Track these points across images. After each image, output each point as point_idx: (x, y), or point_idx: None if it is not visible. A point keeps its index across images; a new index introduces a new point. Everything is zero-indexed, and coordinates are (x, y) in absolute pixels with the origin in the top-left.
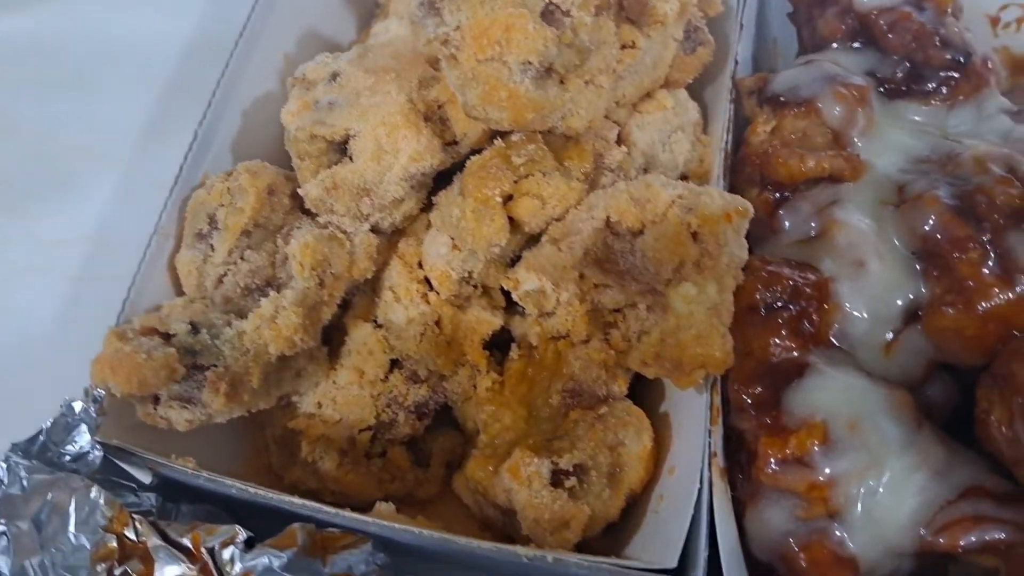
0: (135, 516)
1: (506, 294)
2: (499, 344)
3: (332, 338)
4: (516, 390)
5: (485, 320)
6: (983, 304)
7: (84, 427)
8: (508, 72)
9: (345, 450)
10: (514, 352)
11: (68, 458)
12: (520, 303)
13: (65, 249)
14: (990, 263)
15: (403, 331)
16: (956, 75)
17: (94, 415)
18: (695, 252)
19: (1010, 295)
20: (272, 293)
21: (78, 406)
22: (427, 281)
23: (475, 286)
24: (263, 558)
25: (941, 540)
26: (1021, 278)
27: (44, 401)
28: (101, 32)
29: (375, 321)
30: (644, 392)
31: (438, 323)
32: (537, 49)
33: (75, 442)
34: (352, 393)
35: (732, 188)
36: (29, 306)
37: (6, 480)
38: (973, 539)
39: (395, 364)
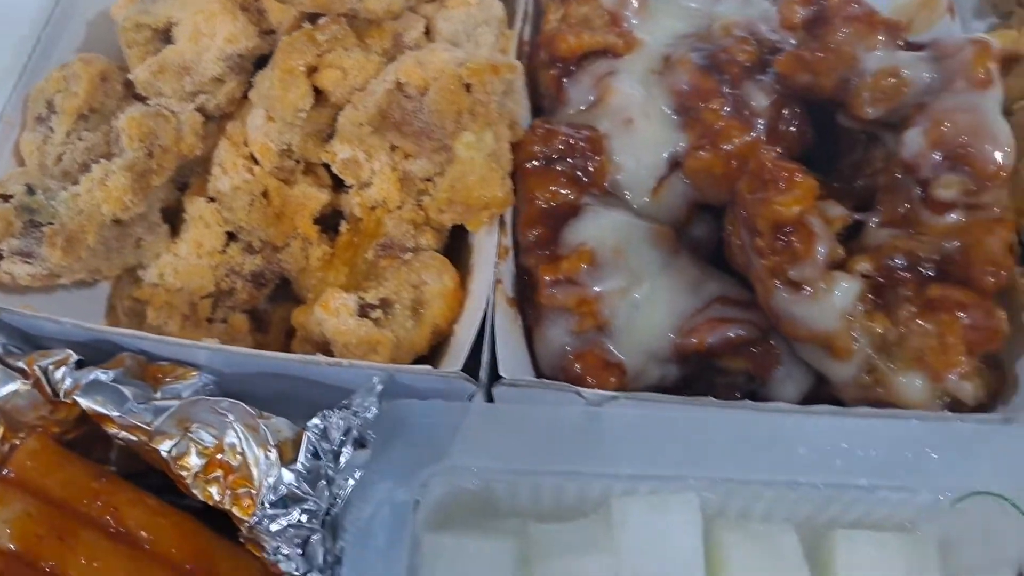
0: None
1: (335, 177)
2: (335, 225)
3: (174, 219)
4: (343, 256)
5: (312, 195)
6: (726, 145)
7: None
8: None
9: (187, 315)
10: (343, 227)
11: None
12: (340, 175)
13: None
14: (729, 109)
15: (232, 200)
16: None
17: None
18: (468, 101)
19: (747, 137)
20: (101, 164)
21: None
22: (253, 157)
23: (297, 160)
24: (93, 374)
25: (692, 340)
26: (755, 121)
27: None
28: None
29: (208, 196)
30: (458, 251)
31: (265, 195)
32: None
33: None
34: (191, 263)
35: (528, 71)
36: None
37: None
38: (717, 337)
39: (232, 238)
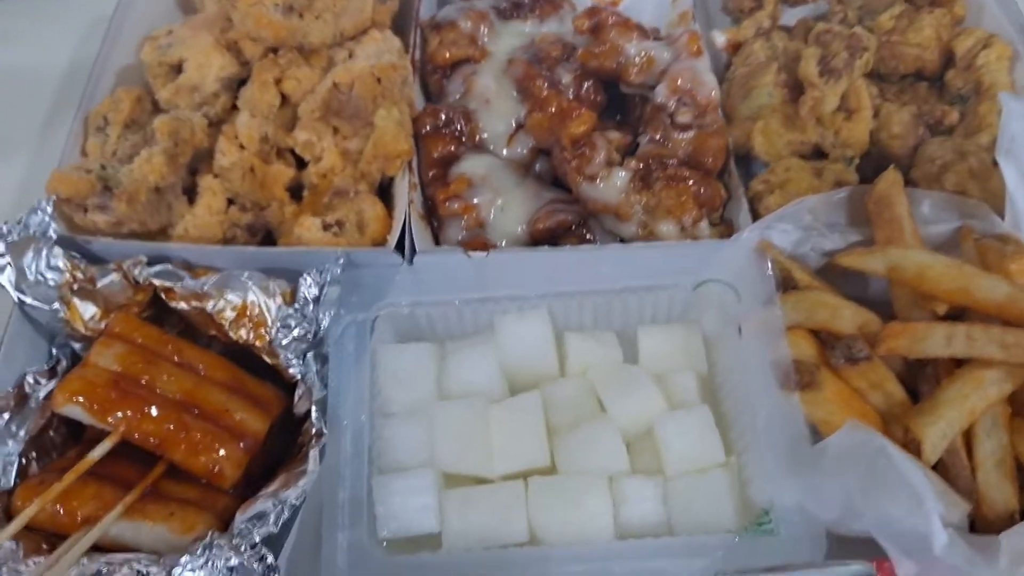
0: (80, 264)
1: (298, 160)
2: (300, 193)
3: (190, 194)
4: (307, 209)
5: (283, 171)
6: (549, 108)
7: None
8: (266, 9)
9: None
10: (305, 192)
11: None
12: (301, 154)
13: None
14: (547, 85)
15: (230, 174)
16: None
17: (50, 211)
18: (380, 89)
19: (562, 101)
20: (145, 150)
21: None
22: (241, 145)
23: (271, 146)
24: (161, 265)
25: (539, 226)
26: (566, 91)
27: None
28: None
29: (214, 173)
30: (385, 198)
31: (252, 170)
32: None
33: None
34: (205, 220)
35: (422, 79)
36: None
37: (9, 234)
38: (553, 221)
39: (231, 203)
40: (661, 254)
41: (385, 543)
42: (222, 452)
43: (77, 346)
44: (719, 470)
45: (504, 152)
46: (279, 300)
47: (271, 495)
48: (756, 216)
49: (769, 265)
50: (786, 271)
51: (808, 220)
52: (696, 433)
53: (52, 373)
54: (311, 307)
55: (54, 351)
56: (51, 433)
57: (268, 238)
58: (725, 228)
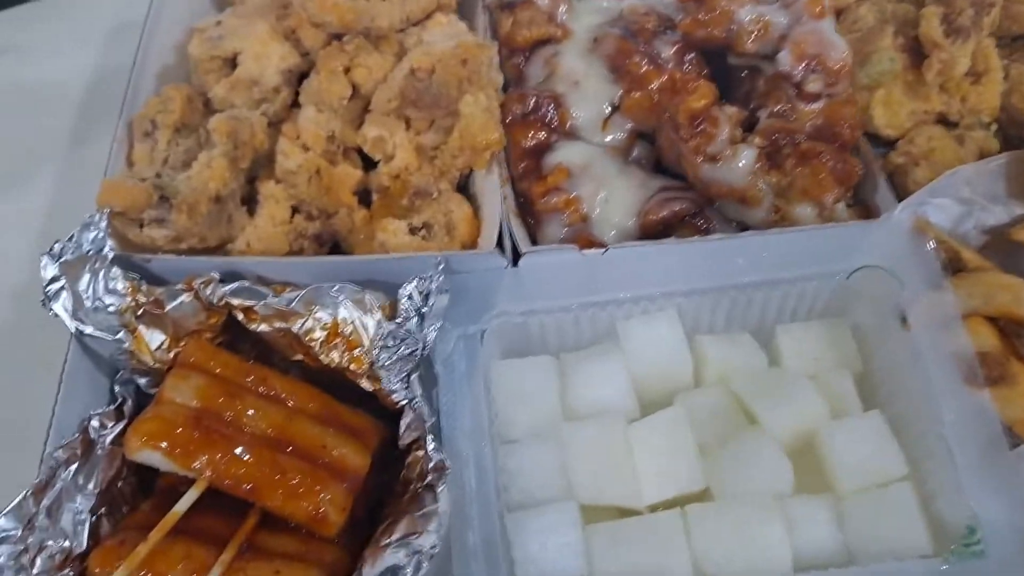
0: (142, 286)
1: (364, 162)
2: (367, 201)
3: (249, 205)
4: (380, 214)
5: (351, 173)
6: (649, 86)
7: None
8: None
9: None
10: (374, 197)
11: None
12: (371, 153)
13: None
14: (646, 61)
15: (295, 179)
16: None
17: (104, 226)
18: (465, 72)
19: (663, 77)
20: (203, 154)
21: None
22: (304, 147)
23: (337, 146)
24: (237, 283)
25: (651, 217)
26: (665, 65)
27: None
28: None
29: (276, 179)
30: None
31: (318, 172)
32: None
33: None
34: (269, 231)
35: (501, 62)
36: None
37: (62, 254)
38: (668, 211)
39: (295, 211)
40: (805, 240)
41: None
42: (325, 495)
43: (142, 381)
44: (902, 484)
45: (599, 139)
46: (378, 315)
47: (399, 544)
48: (898, 194)
49: (930, 246)
50: (952, 251)
51: (966, 193)
52: (870, 443)
53: (119, 414)
54: (415, 321)
55: (116, 388)
56: (120, 484)
57: (335, 250)
58: (861, 210)
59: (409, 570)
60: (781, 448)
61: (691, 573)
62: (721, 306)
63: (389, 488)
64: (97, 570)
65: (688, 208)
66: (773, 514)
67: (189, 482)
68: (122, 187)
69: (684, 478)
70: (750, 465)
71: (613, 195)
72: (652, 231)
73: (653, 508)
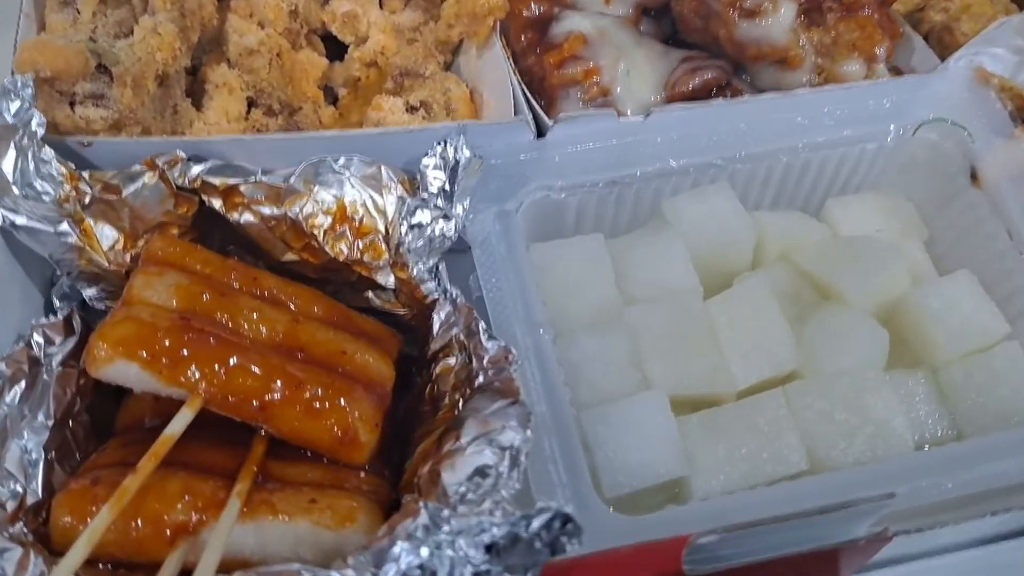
0: (82, 174)
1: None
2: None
3: (194, 97)
4: (353, 107)
5: (315, 61)
6: None
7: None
8: None
9: None
10: (341, 92)
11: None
12: (339, 35)
13: None
14: None
15: (252, 60)
16: None
17: (31, 93)
18: None
19: None
20: (145, 18)
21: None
22: (260, 24)
23: (301, 24)
24: (211, 161)
25: (679, 89)
26: None
27: None
28: None
29: (228, 61)
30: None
31: (279, 56)
32: None
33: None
34: (222, 128)
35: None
36: None
37: None
38: (698, 81)
39: (252, 104)
40: (860, 96)
41: (614, 500)
42: (352, 409)
43: (90, 292)
44: (1008, 344)
45: (601, 8)
46: (399, 190)
47: (480, 441)
48: (938, 53)
49: (993, 95)
50: (1019, 99)
51: (1020, 42)
52: (966, 304)
53: (67, 327)
54: (443, 196)
55: (56, 302)
56: (71, 424)
57: None
58: (898, 74)
59: (504, 466)
60: (873, 319)
61: (805, 459)
62: (773, 177)
63: (412, 411)
64: (67, 519)
65: (719, 77)
66: (885, 388)
67: (167, 414)
68: (50, 46)
69: (778, 356)
70: (842, 339)
71: (634, 67)
72: None
73: (745, 395)
